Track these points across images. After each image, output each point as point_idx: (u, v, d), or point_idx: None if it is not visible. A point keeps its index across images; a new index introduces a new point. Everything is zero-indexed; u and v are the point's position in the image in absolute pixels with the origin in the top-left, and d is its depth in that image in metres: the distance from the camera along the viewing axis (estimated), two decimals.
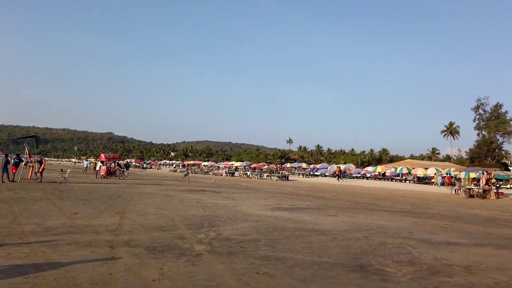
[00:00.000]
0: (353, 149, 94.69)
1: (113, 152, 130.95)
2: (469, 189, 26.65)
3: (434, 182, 38.80)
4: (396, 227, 10.59)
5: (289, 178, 48.48)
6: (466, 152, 68.10)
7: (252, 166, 68.98)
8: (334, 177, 47.40)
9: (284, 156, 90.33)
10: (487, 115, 59.95)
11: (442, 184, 36.90)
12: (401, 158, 76.52)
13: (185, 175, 36.72)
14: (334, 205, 16.77)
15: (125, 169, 34.32)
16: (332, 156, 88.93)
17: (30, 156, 25.39)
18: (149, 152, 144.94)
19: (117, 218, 9.91)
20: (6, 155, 23.78)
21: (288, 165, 69.79)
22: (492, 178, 27.23)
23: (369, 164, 70.40)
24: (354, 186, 37.40)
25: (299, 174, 58.70)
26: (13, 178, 21.25)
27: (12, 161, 22.41)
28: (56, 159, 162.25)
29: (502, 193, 26.73)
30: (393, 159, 77.97)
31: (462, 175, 31.04)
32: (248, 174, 53.63)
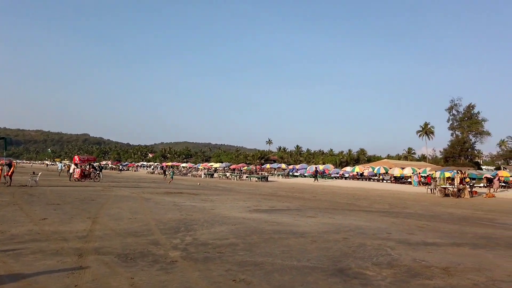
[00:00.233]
0: (331, 150, 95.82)
1: (88, 154, 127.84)
2: (444, 188, 27.22)
3: (411, 182, 39.52)
4: (375, 228, 10.58)
5: (269, 179, 48.41)
6: (440, 151, 69.87)
7: (232, 167, 68.59)
8: (312, 177, 47.70)
9: (263, 157, 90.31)
10: (460, 116, 61.60)
11: (418, 183, 37.65)
12: (378, 158, 77.87)
13: (171, 177, 35.86)
14: (313, 206, 16.72)
15: (98, 172, 33.34)
16: (311, 157, 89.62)
17: None
18: (126, 153, 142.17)
19: (88, 224, 9.49)
20: None
21: (268, 166, 69.78)
22: (466, 177, 27.92)
23: (347, 164, 71.24)
24: (333, 186, 37.66)
25: (278, 174, 58.76)
26: None
27: None
28: (28, 162, 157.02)
29: (476, 192, 27.43)
30: (370, 159, 79.24)
31: (437, 174, 31.73)
32: (228, 176, 53.28)
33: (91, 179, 30.71)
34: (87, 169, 31.78)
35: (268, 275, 5.46)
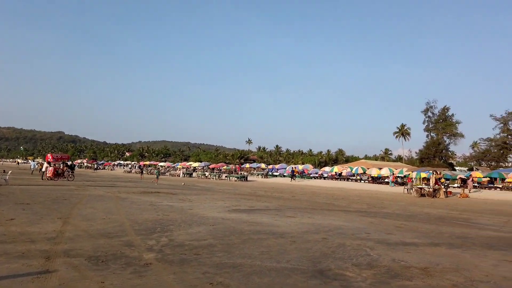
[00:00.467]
0: (311, 150, 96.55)
1: (63, 152, 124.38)
2: (421, 188, 27.75)
3: (387, 182, 40.17)
4: (354, 228, 10.56)
5: (248, 178, 48.25)
6: (416, 152, 71.41)
7: (211, 166, 68.05)
8: (294, 177, 47.91)
9: (243, 157, 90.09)
10: (436, 118, 63.09)
11: (395, 184, 38.33)
12: (356, 159, 79.01)
13: (156, 177, 34.66)
14: (293, 206, 16.65)
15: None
16: (291, 157, 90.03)
17: None
18: (102, 152, 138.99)
19: (59, 224, 9.07)
20: None
21: (247, 165, 69.62)
22: (441, 178, 28.55)
23: (326, 164, 71.91)
24: (312, 186, 37.84)
25: (258, 174, 58.67)
26: None
27: None
28: None
29: (451, 192, 28.09)
30: (348, 159, 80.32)
31: (413, 175, 32.36)
32: (207, 175, 52.79)
33: (65, 178, 29.75)
34: (61, 167, 30.78)
35: (247, 277, 5.27)
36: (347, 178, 48.42)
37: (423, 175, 31.79)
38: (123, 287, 4.68)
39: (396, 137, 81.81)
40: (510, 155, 59.20)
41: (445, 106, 62.41)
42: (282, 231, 9.45)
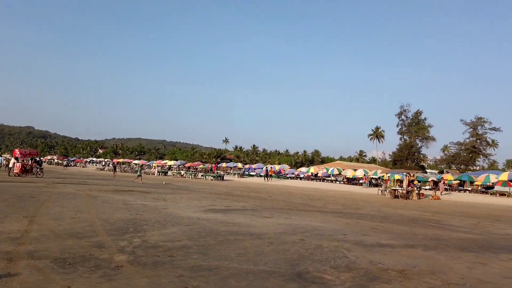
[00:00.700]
0: (287, 150, 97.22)
1: (32, 147, 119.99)
2: (394, 190, 28.28)
3: (362, 183, 40.81)
4: (331, 229, 10.54)
5: (225, 178, 47.95)
6: (389, 155, 73.05)
7: (187, 165, 67.28)
8: (267, 177, 48.02)
9: (220, 156, 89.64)
10: (409, 121, 64.69)
11: (369, 185, 38.99)
12: (332, 160, 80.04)
13: (138, 175, 33.33)
14: (269, 206, 16.55)
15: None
16: (268, 157, 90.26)
17: None
18: (74, 148, 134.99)
19: (24, 223, 8.58)
20: None
21: (224, 164, 69.25)
22: (414, 180, 29.20)
23: (302, 165, 72.50)
24: (289, 186, 37.95)
25: (234, 174, 58.41)
26: None
27: None
28: None
29: (423, 194, 28.76)
30: (324, 160, 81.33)
31: (387, 176, 32.96)
32: (182, 174, 52.10)
33: (33, 174, 28.58)
34: (29, 163, 29.55)
35: (223, 281, 5.08)
36: (322, 179, 48.89)
37: (397, 177, 32.44)
38: None
39: (371, 139, 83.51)
40: (478, 159, 61.50)
41: (418, 110, 64.13)
42: (259, 232, 9.30)
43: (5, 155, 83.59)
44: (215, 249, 6.99)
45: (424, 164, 69.88)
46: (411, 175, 28.99)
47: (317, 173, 50.97)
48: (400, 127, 65.64)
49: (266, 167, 54.35)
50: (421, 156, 66.01)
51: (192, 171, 54.45)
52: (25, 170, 28.31)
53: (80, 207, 12.18)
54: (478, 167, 60.48)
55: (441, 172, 56.09)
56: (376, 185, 37.88)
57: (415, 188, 27.85)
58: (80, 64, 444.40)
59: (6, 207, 11.09)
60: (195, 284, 4.87)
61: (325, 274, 5.72)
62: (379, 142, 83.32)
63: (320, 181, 48.22)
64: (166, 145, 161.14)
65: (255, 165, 65.59)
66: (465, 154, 60.53)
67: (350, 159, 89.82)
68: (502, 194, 31.86)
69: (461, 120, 61.10)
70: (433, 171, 66.24)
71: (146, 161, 79.82)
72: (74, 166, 78.20)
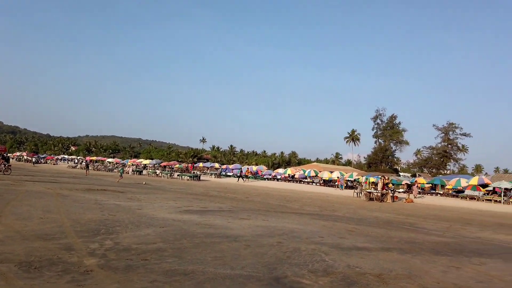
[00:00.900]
0: (264, 151, 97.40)
1: (0, 143, 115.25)
2: (369, 192, 28.72)
3: (337, 185, 41.30)
4: (308, 231, 10.50)
5: (201, 178, 47.47)
6: (364, 157, 74.38)
7: (163, 164, 66.26)
8: (243, 178, 47.91)
9: (196, 155, 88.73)
10: (384, 125, 66.11)
11: (346, 187, 39.48)
12: (308, 161, 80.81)
13: (120, 175, 32.20)
14: (247, 207, 16.41)
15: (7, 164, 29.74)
16: (245, 157, 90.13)
17: None
18: (45, 145, 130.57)
19: None
20: None
21: (201, 164, 68.62)
22: (389, 183, 29.76)
23: (279, 166, 72.78)
24: (266, 188, 37.92)
25: (211, 174, 57.96)
26: None
27: None
28: None
29: (397, 197, 29.35)
30: (301, 162, 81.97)
31: (363, 179, 33.49)
32: (158, 173, 51.23)
33: (0, 171, 27.37)
34: None
35: (199, 286, 4.90)
36: (299, 180, 49.17)
37: (372, 179, 32.99)
38: None
39: (347, 142, 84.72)
40: (449, 163, 63.51)
41: (393, 115, 65.68)
42: (236, 234, 9.15)
43: None
44: (190, 252, 6.79)
45: (397, 167, 71.59)
46: (386, 178, 29.53)
47: (294, 175, 51.25)
48: (375, 130, 67.10)
49: (241, 168, 54.28)
50: (395, 159, 67.67)
51: (168, 171, 53.66)
52: None
53: (49, 206, 11.67)
54: (448, 171, 62.41)
55: (414, 175, 57.52)
56: (352, 187, 38.41)
57: (390, 191, 28.38)
58: (52, 57, 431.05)
59: None
60: None
61: (303, 278, 5.63)
62: (355, 145, 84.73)
63: (297, 182, 48.48)
64: (142, 143, 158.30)
65: (232, 165, 65.35)
66: (436, 158, 62.43)
67: (326, 161, 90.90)
68: (472, 198, 32.95)
69: (434, 125, 63.10)
70: (406, 174, 67.99)
71: (120, 160, 78.10)
72: (44, 163, 75.57)
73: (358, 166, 75.87)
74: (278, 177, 52.29)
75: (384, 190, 28.10)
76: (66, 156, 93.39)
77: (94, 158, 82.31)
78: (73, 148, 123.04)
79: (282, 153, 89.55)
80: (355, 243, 9.16)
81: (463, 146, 62.52)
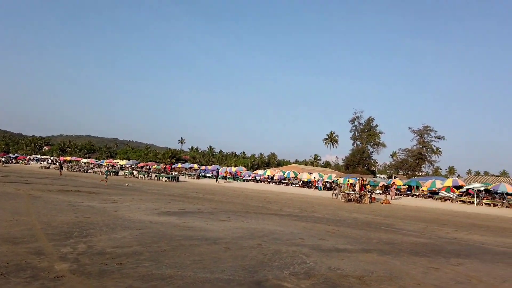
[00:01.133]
0: (244, 152, 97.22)
1: None
2: (348, 193, 29.00)
3: (317, 186, 41.57)
4: (288, 233, 10.42)
5: (180, 179, 46.82)
6: (342, 159, 75.42)
7: (140, 165, 65.05)
8: (222, 178, 47.59)
9: (175, 156, 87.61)
10: (361, 127, 67.16)
11: (324, 188, 39.80)
12: (287, 163, 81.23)
13: (105, 177, 30.88)
14: (226, 209, 16.21)
15: None
16: (224, 158, 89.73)
17: None
18: (16, 144, 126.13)
19: None
20: None
21: (179, 165, 67.77)
22: (367, 184, 30.16)
23: (258, 167, 72.76)
24: (245, 189, 37.74)
25: (190, 175, 57.31)
26: None
27: None
28: None
29: (374, 198, 29.76)
30: (280, 163, 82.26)
31: (341, 180, 33.83)
32: (135, 174, 50.24)
33: None
34: None
35: None
36: (279, 182, 49.24)
37: (350, 181, 33.36)
38: None
39: (325, 143, 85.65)
40: (424, 165, 65.10)
41: (370, 117, 66.83)
42: (216, 236, 8.95)
43: None
44: (168, 256, 6.56)
45: (374, 169, 72.88)
46: (364, 179, 29.90)
47: (274, 176, 51.29)
48: (353, 132, 68.08)
49: (218, 168, 53.91)
50: (372, 161, 68.85)
51: (145, 172, 52.72)
52: None
53: (19, 208, 11.15)
54: (423, 173, 63.99)
55: (390, 177, 58.66)
56: (330, 189, 38.73)
57: (367, 192, 28.74)
58: (23, 52, 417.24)
59: None
60: None
61: (284, 282, 5.51)
62: (333, 147, 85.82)
63: (276, 183, 48.53)
64: (118, 143, 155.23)
65: (211, 166, 64.85)
66: (412, 160, 63.86)
67: (305, 163, 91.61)
68: (446, 199, 33.80)
69: (409, 128, 64.62)
70: (382, 176, 69.19)
71: (96, 160, 76.26)
72: (15, 163, 72.92)
73: (336, 167, 76.86)
74: (258, 178, 52.20)
75: (362, 191, 28.43)
76: (38, 156, 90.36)
77: (69, 158, 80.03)
78: (46, 148, 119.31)
79: (261, 154, 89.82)
80: (335, 244, 9.13)
81: (437, 148, 64.15)
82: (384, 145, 65.88)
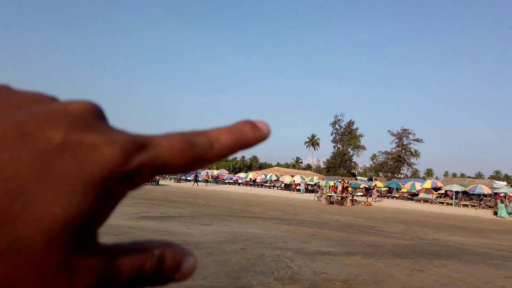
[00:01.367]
0: None
1: None
2: (330, 196, 29.15)
3: (299, 189, 41.73)
4: (271, 236, 10.27)
5: (160, 182, 46.15)
6: (324, 162, 76.06)
7: None
8: (203, 182, 47.20)
9: None
10: (342, 130, 68.02)
11: (305, 191, 39.99)
12: (269, 166, 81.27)
13: None
14: (208, 212, 15.95)
15: None
16: None
17: None
18: None
19: None
20: None
21: None
22: (348, 186, 30.40)
23: (240, 170, 72.57)
24: (227, 192, 37.49)
25: (170, 178, 56.59)
26: None
27: None
28: None
29: (356, 200, 30.02)
30: (262, 166, 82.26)
31: (323, 183, 34.03)
32: None
33: None
34: None
35: None
36: (261, 185, 49.18)
37: (332, 183, 33.58)
38: None
39: (307, 146, 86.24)
40: (403, 167, 66.36)
41: (351, 120, 67.91)
42: (197, 241, 8.72)
43: None
44: None
45: (355, 172, 73.76)
46: (345, 181, 30.14)
47: (256, 179, 51.22)
48: (334, 135, 68.91)
49: (196, 172, 53.45)
50: (353, 164, 69.73)
51: None
52: None
53: None
54: (402, 175, 65.22)
55: (370, 179, 59.51)
56: (312, 191, 38.91)
57: (349, 195, 28.96)
58: (23, 53, 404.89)
59: None
60: None
61: (269, 287, 5.35)
62: (315, 150, 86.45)
63: (258, 186, 48.45)
64: None
65: None
66: (391, 163, 65.00)
67: (287, 166, 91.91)
68: (426, 200, 34.43)
69: (389, 131, 65.75)
70: (363, 178, 70.09)
71: None
72: None
73: (318, 170, 77.46)
74: (240, 181, 52.02)
75: (344, 193, 28.63)
76: None
77: None
78: None
79: (243, 157, 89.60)
80: (319, 247, 9.04)
81: (415, 151, 65.60)
82: (364, 148, 66.99)
